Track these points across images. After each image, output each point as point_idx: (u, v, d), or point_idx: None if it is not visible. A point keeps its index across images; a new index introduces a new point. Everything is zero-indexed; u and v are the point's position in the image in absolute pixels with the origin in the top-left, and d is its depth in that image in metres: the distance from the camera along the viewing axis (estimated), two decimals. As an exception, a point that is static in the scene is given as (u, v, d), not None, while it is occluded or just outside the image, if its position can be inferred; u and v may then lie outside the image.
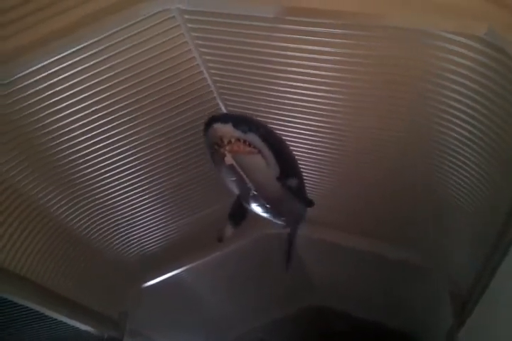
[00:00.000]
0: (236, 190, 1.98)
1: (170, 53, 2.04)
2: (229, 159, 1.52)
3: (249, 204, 2.02)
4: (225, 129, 1.50)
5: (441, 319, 3.15)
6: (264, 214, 2.14)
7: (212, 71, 2.19)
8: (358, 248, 3.26)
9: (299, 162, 2.43)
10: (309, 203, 2.05)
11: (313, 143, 2.42)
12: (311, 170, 2.67)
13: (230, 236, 2.08)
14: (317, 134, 2.35)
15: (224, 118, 1.55)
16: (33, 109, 2.09)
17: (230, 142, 1.52)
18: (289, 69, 2.07)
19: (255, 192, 1.79)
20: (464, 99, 1.82)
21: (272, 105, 2.29)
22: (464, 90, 1.79)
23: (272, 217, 2.22)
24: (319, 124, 2.29)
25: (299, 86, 2.12)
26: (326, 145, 2.40)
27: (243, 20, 1.92)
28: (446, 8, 1.52)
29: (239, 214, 2.11)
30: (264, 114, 2.34)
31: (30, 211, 2.45)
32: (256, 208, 2.04)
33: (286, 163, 1.77)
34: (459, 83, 1.78)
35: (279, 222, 2.35)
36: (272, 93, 2.23)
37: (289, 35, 1.90)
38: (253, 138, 1.56)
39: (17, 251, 2.49)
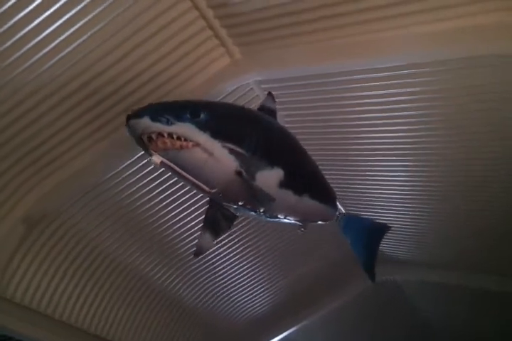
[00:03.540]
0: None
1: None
2: (155, 159, 1.22)
3: (229, 207, 1.57)
4: (141, 124, 1.21)
5: None
6: (269, 219, 1.64)
7: (295, 131, 2.23)
8: (476, 286, 3.03)
9: (405, 208, 2.34)
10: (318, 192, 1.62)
11: (413, 183, 2.37)
12: (420, 213, 2.60)
13: (209, 249, 1.67)
14: (417, 173, 2.31)
15: (139, 113, 1.24)
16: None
17: (151, 139, 1.23)
18: (372, 115, 2.08)
19: (218, 194, 1.38)
20: None
21: (361, 153, 2.30)
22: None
23: (283, 220, 1.67)
24: (422, 163, 2.25)
25: (387, 129, 2.12)
26: (428, 183, 2.34)
27: (316, 79, 1.99)
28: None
29: (218, 220, 1.63)
30: (354, 163, 2.36)
31: (140, 286, 2.60)
32: (246, 212, 1.58)
33: (253, 151, 1.35)
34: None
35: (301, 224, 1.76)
36: (355, 141, 2.25)
37: (366, 84, 1.94)
38: (183, 129, 1.22)
39: (136, 329, 2.60)
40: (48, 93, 1.79)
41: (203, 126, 1.25)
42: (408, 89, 1.88)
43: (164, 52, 1.84)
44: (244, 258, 2.85)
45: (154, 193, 2.34)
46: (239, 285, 3.04)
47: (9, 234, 2.16)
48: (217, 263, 2.80)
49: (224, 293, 3.05)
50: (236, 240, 2.70)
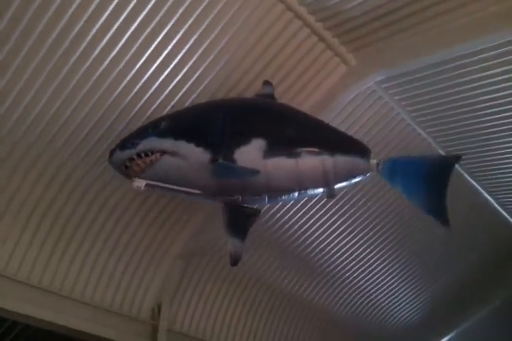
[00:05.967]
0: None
1: (384, 125, 2.13)
2: (137, 184, 1.29)
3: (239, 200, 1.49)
4: (115, 159, 1.32)
5: None
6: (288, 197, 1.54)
7: (423, 125, 2.19)
8: None
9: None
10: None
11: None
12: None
13: (242, 253, 1.57)
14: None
15: (112, 151, 1.37)
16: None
17: (127, 167, 1.30)
18: (499, 94, 1.97)
19: (214, 192, 1.40)
20: None
21: (484, 136, 2.17)
22: None
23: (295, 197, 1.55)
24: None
25: None
26: None
27: (435, 68, 1.92)
28: None
29: (239, 221, 1.54)
30: (480, 148, 2.24)
31: (287, 302, 2.66)
32: (257, 202, 1.52)
33: (219, 135, 1.34)
34: None
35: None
36: (482, 125, 2.13)
37: (486, 64, 1.84)
38: (147, 143, 1.29)
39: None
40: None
41: (163, 134, 1.31)
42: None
43: (285, 72, 1.90)
44: (390, 265, 2.79)
45: (290, 213, 2.39)
46: (388, 294, 2.96)
47: (171, 270, 2.33)
48: (364, 274, 2.76)
49: (373, 302, 2.99)
50: (380, 247, 2.66)
